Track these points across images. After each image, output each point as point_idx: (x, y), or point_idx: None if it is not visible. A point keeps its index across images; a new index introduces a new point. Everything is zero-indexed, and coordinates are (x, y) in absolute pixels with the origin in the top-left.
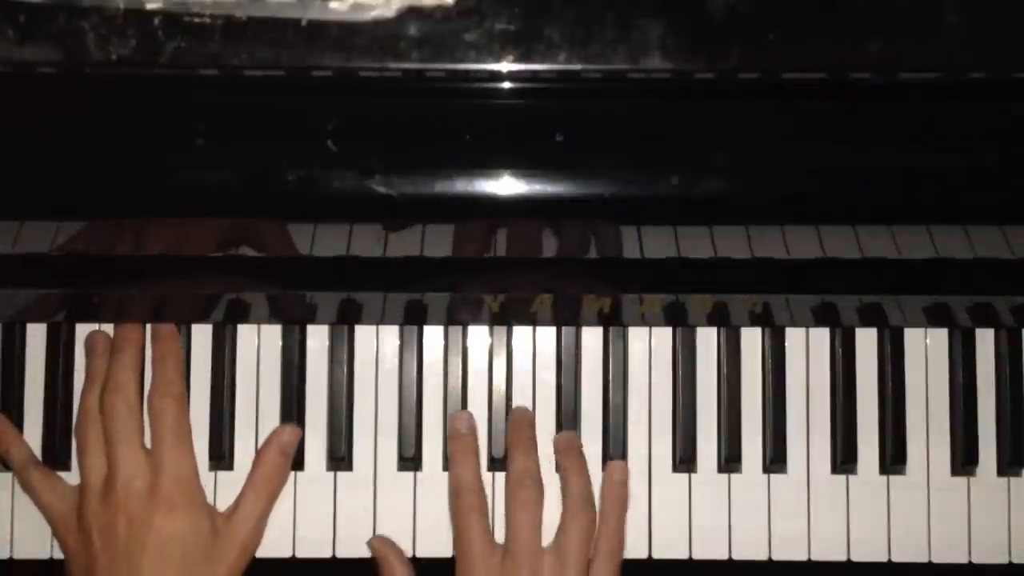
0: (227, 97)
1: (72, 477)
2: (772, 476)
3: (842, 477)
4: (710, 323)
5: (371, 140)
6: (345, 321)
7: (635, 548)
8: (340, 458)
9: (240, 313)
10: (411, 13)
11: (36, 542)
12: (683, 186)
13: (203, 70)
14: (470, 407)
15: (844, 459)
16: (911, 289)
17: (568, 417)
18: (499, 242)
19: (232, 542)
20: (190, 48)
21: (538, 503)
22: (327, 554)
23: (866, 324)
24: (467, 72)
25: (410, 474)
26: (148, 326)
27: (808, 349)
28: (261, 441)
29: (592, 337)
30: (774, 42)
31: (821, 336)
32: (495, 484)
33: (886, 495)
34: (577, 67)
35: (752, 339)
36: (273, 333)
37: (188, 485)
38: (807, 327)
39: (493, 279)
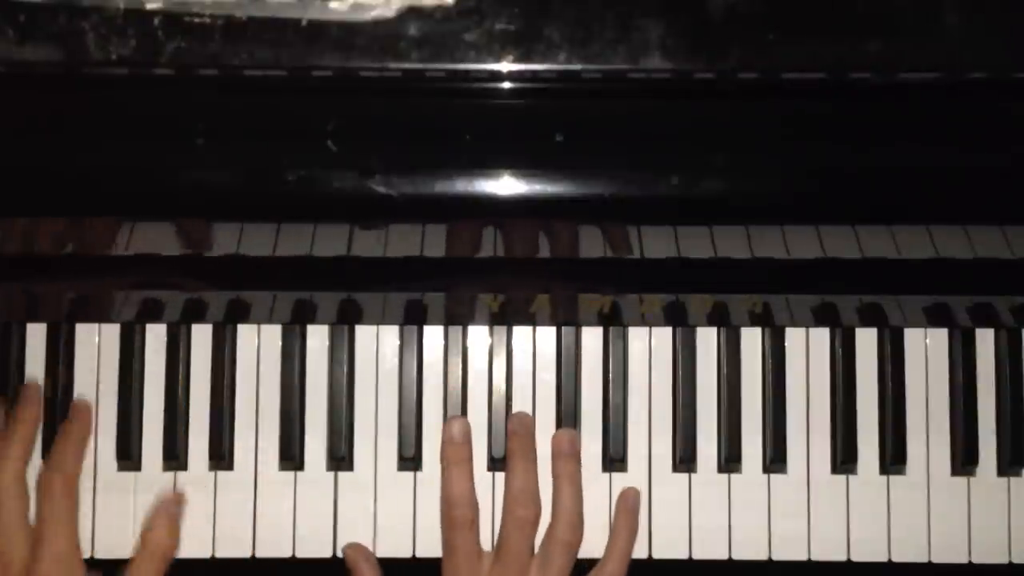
0: (227, 97)
1: None
2: (772, 476)
3: (842, 477)
4: (710, 323)
5: (371, 140)
6: (345, 321)
7: (635, 548)
8: (340, 458)
9: (240, 313)
10: (411, 13)
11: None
12: (683, 186)
13: (203, 70)
14: (470, 407)
15: (844, 459)
16: (911, 289)
17: (568, 417)
18: (499, 242)
19: None
20: (190, 48)
21: (534, 523)
22: (327, 554)
23: (866, 324)
24: (467, 72)
25: (410, 474)
26: (72, 402)
27: (808, 349)
28: (261, 441)
29: (592, 337)
30: (774, 42)
31: (821, 336)
32: (495, 484)
33: (886, 495)
34: (577, 67)
35: (752, 339)
36: (273, 333)
37: (67, 565)
38: (807, 327)
39: (493, 279)
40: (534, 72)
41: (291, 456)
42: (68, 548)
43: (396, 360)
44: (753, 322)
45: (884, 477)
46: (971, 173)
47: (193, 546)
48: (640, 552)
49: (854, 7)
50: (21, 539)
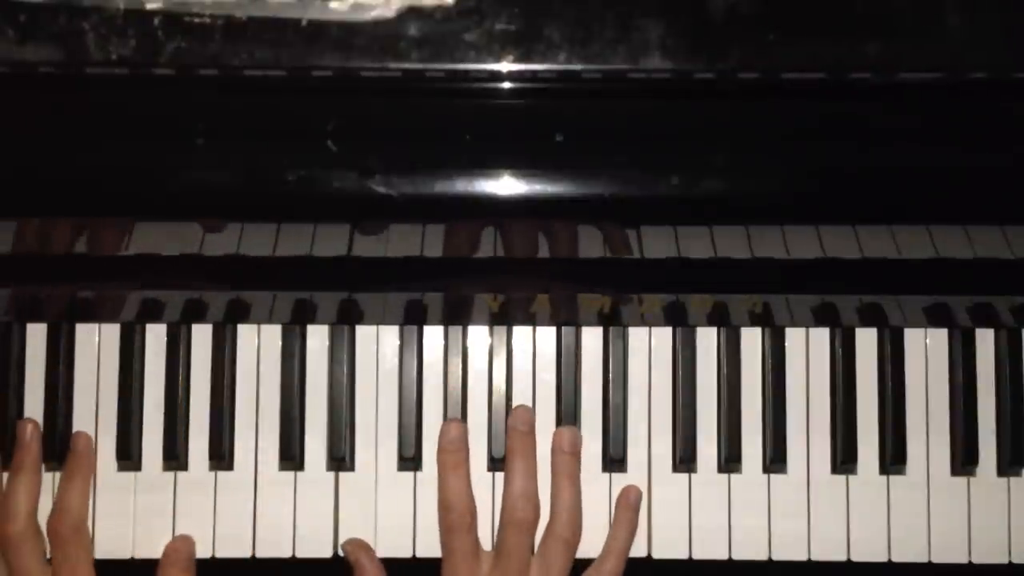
0: (227, 97)
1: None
2: (772, 476)
3: (842, 477)
4: (710, 323)
5: (371, 140)
6: (345, 321)
7: (635, 548)
8: (340, 458)
9: (240, 313)
10: (411, 13)
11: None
12: (683, 186)
13: (203, 70)
14: (470, 407)
15: (844, 459)
16: (911, 289)
17: (568, 417)
18: (499, 242)
19: None
20: (190, 48)
21: (533, 523)
22: (327, 554)
23: (866, 324)
24: (467, 72)
25: (410, 474)
26: (73, 438)
27: (808, 349)
28: (261, 441)
29: (592, 337)
30: (774, 42)
31: (821, 336)
32: (495, 484)
33: (886, 495)
34: (577, 67)
35: (752, 339)
36: (273, 333)
37: None
38: (807, 327)
39: (493, 279)
40: (534, 72)
41: (291, 456)
42: None
43: (396, 360)
44: (753, 322)
45: (884, 477)
46: (971, 173)
47: None
48: (640, 552)
49: (854, 7)
50: None
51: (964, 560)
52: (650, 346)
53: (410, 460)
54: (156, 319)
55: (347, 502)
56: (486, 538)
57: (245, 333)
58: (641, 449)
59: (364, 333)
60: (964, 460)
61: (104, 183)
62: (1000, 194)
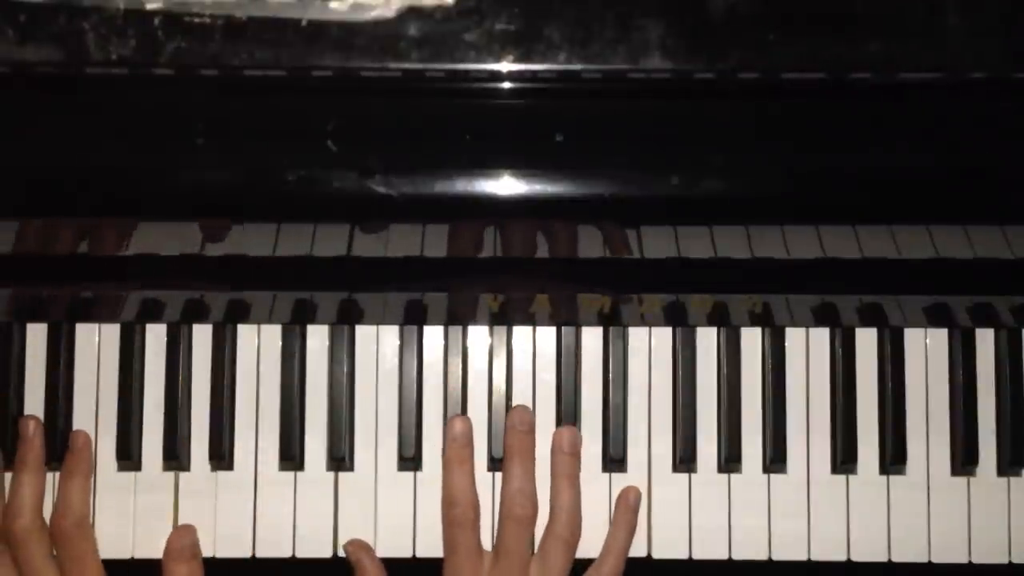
0: (227, 97)
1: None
2: (772, 476)
3: (842, 477)
4: (710, 323)
5: (371, 140)
6: (345, 321)
7: (635, 548)
8: (340, 458)
9: (240, 313)
10: (411, 13)
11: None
12: (683, 186)
13: (203, 70)
14: (470, 407)
15: (844, 459)
16: (911, 289)
17: (568, 417)
18: (499, 242)
19: None
20: (190, 48)
21: (532, 521)
22: (327, 554)
23: (866, 324)
24: (467, 72)
25: (410, 474)
26: (71, 436)
27: (808, 349)
28: (261, 441)
29: (592, 337)
30: (774, 42)
31: (821, 336)
32: (495, 484)
33: (886, 495)
34: (577, 67)
35: (752, 339)
36: (273, 333)
37: None
38: (807, 327)
39: (493, 279)
40: (534, 72)
41: (291, 456)
42: None
43: (396, 360)
44: (753, 322)
45: (884, 477)
46: (971, 173)
47: None
48: (640, 552)
49: (854, 7)
50: None
51: (964, 560)
52: (650, 346)
53: (410, 460)
54: (156, 319)
55: (347, 502)
56: (486, 538)
57: (245, 333)
58: (641, 449)
59: (364, 333)
60: (964, 460)
61: (104, 183)
62: (1000, 194)
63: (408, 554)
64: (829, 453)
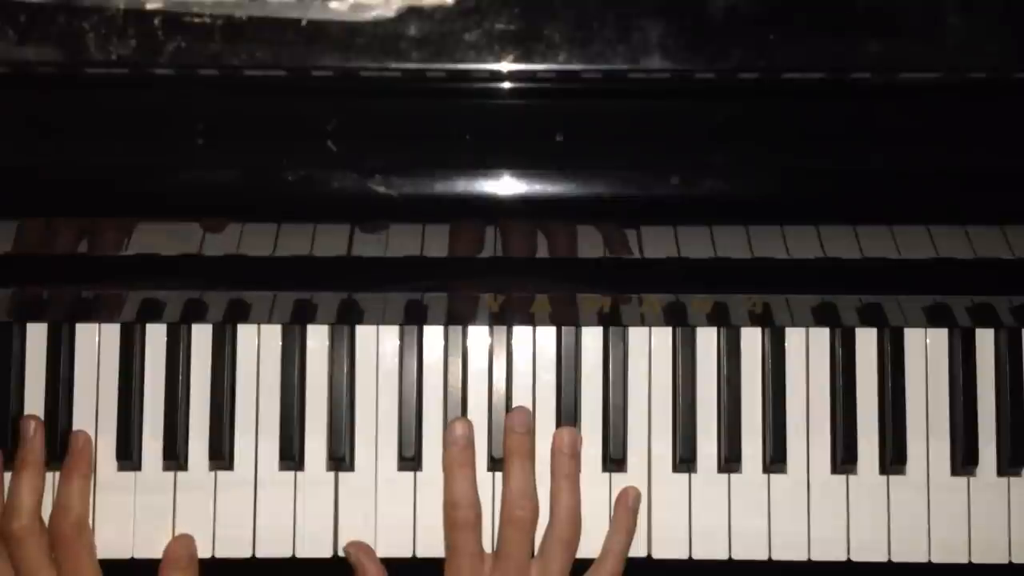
0: (227, 97)
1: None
2: (772, 476)
3: (842, 477)
4: (710, 323)
5: (371, 140)
6: (345, 321)
7: (635, 548)
8: (340, 458)
9: (240, 313)
10: (411, 13)
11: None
12: (683, 186)
13: (203, 70)
14: (470, 407)
15: (844, 459)
16: (911, 289)
17: (568, 417)
18: (499, 242)
19: None
20: (190, 48)
21: (532, 523)
22: (327, 554)
23: (866, 324)
24: (467, 72)
25: (410, 474)
26: (72, 436)
27: (808, 349)
28: (261, 441)
29: (592, 337)
30: (774, 42)
31: (821, 336)
32: (495, 484)
33: (886, 495)
34: (577, 67)
35: (752, 339)
36: (273, 333)
37: None
38: (807, 327)
39: (493, 279)
40: (534, 72)
41: (291, 456)
42: None
43: (396, 360)
44: (753, 322)
45: (884, 477)
46: (971, 173)
47: None
48: (640, 552)
49: (854, 7)
50: None
51: (964, 560)
52: (650, 346)
53: (410, 460)
54: (156, 319)
55: (347, 502)
56: (486, 539)
57: (245, 333)
58: (641, 449)
59: (364, 333)
60: (964, 460)
61: (104, 183)
62: (1000, 194)
63: (408, 554)
64: (829, 453)
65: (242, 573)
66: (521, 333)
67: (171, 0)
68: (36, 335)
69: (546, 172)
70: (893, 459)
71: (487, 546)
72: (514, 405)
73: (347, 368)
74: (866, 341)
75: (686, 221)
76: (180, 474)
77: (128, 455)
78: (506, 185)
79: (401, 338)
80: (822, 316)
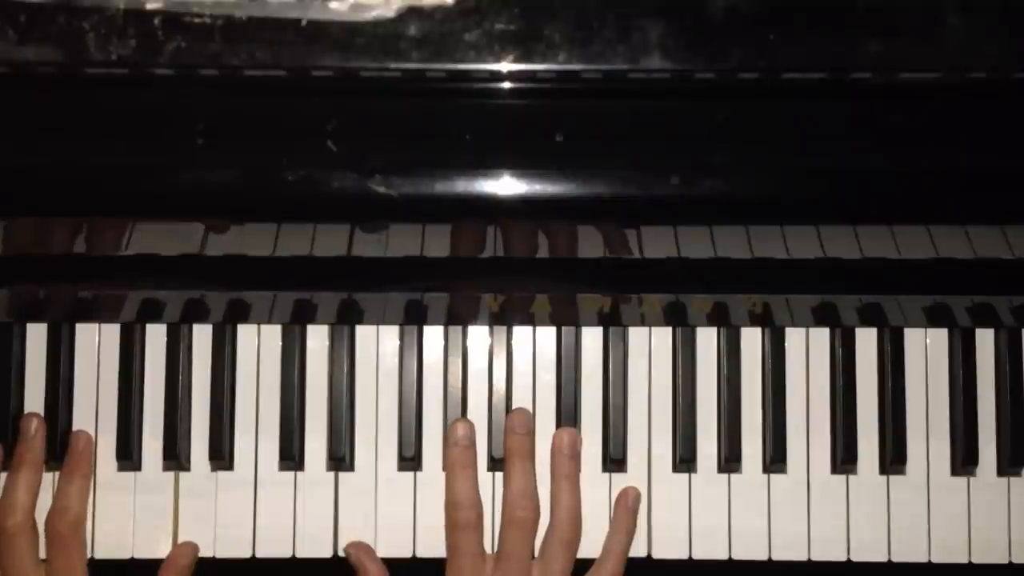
0: (227, 97)
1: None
2: (772, 476)
3: (842, 477)
4: (710, 323)
5: (371, 140)
6: (345, 321)
7: (635, 548)
8: (340, 458)
9: (240, 313)
10: (411, 13)
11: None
12: (683, 186)
13: (203, 70)
14: (470, 407)
15: (844, 459)
16: (911, 289)
17: (568, 417)
18: (499, 242)
19: None
20: (190, 48)
21: (533, 523)
22: (327, 554)
23: (866, 324)
24: (467, 72)
25: (410, 474)
26: (73, 437)
27: (808, 349)
28: (261, 441)
29: (592, 337)
30: (774, 42)
31: (821, 336)
32: (495, 484)
33: (886, 495)
34: (577, 67)
35: (752, 339)
36: (273, 333)
37: None
38: (807, 327)
39: (493, 279)
40: (534, 72)
41: (291, 456)
42: None
43: (396, 360)
44: (753, 322)
45: (884, 477)
46: (971, 173)
47: None
48: (640, 552)
49: (854, 7)
50: None
51: (964, 560)
52: (650, 346)
53: (410, 460)
54: (156, 319)
55: (347, 502)
56: (487, 539)
57: (245, 333)
58: (641, 449)
59: (364, 333)
60: (964, 460)
61: (104, 183)
62: (1000, 194)
63: (408, 554)
64: (829, 453)
65: (242, 573)
66: (521, 333)
67: (171, 0)
68: (36, 335)
69: (546, 172)
70: (893, 459)
71: (488, 547)
72: (514, 405)
73: (347, 368)
74: (866, 341)
75: (686, 221)
76: (180, 474)
77: (128, 455)
78: (506, 185)
79: (401, 338)
80: (822, 316)
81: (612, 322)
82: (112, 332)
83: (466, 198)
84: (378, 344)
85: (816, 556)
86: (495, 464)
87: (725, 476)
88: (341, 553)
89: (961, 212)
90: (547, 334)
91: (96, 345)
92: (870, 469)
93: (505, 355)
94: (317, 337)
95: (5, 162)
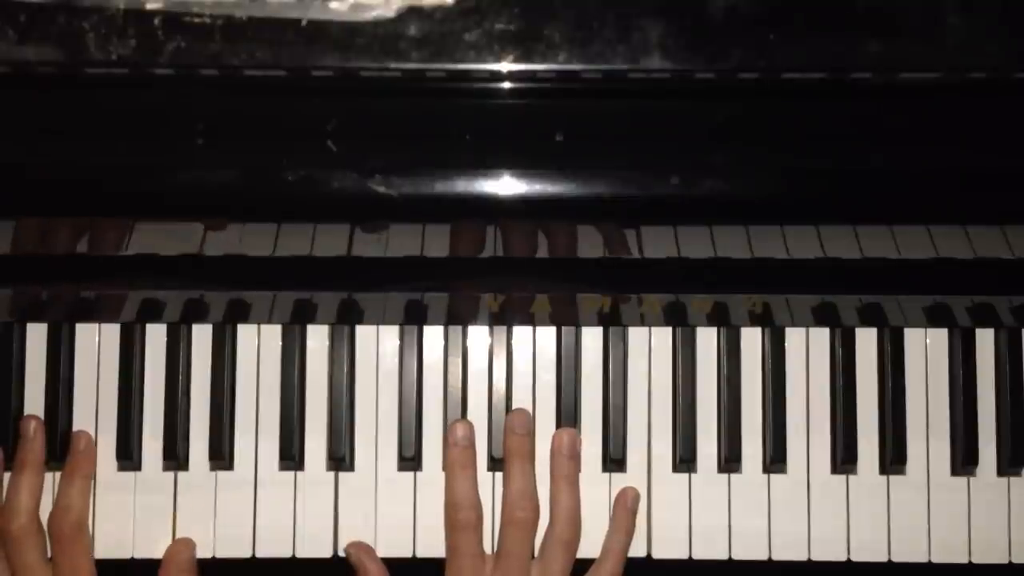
0: (227, 97)
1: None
2: (772, 476)
3: (842, 477)
4: (710, 323)
5: (371, 140)
6: (345, 321)
7: (635, 548)
8: (340, 458)
9: (240, 313)
10: (411, 13)
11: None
12: (683, 186)
13: (203, 70)
14: (470, 407)
15: (844, 459)
16: (911, 289)
17: (568, 417)
18: (499, 242)
19: None
20: (190, 48)
21: (533, 523)
22: (327, 554)
23: (866, 324)
24: (467, 72)
25: (410, 474)
26: (74, 437)
27: (808, 349)
28: (261, 441)
29: (592, 337)
30: (774, 42)
31: (821, 336)
32: (495, 484)
33: (886, 495)
34: (577, 67)
35: (752, 339)
36: (273, 333)
37: None
38: (807, 327)
39: (493, 279)
40: (534, 72)
41: (291, 456)
42: None
43: (396, 360)
44: (753, 322)
45: (884, 477)
46: (971, 173)
47: None
48: (640, 552)
49: (854, 7)
50: None
51: (964, 560)
52: (650, 346)
53: (410, 460)
54: (156, 319)
55: (347, 502)
56: (486, 539)
57: (245, 333)
58: (641, 449)
59: (364, 333)
60: (964, 460)
61: (104, 183)
62: (1000, 194)
63: (408, 554)
64: (829, 453)
65: (242, 573)
66: (521, 333)
67: (171, 0)
68: (36, 335)
69: (546, 172)
70: (893, 459)
71: (488, 547)
72: (514, 405)
73: (347, 368)
74: (866, 341)
75: (686, 221)
76: (180, 474)
77: (128, 455)
78: (506, 185)
79: (401, 338)
80: (822, 316)
81: (612, 322)
82: (112, 332)
83: (466, 198)
84: (378, 344)
85: (816, 556)
86: (495, 464)
87: (725, 476)
88: (341, 553)
89: (961, 212)
90: (547, 334)
91: (96, 345)
92: (870, 469)
93: (505, 355)
94: (317, 337)
95: (5, 162)
